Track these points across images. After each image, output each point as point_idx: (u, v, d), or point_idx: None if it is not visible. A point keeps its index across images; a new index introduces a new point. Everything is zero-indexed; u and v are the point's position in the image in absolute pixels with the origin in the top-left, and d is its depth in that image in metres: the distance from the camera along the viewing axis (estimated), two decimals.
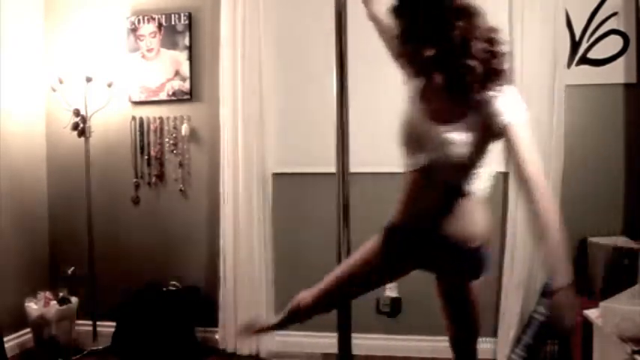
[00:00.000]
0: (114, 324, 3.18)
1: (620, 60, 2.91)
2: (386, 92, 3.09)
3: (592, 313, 2.27)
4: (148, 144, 3.36)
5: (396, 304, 3.13)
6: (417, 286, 3.12)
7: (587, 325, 2.37)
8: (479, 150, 1.55)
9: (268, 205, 3.16)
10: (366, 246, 1.76)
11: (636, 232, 2.80)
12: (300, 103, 3.18)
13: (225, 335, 3.18)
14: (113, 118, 3.36)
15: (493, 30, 1.51)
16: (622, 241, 2.71)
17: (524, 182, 1.47)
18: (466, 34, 1.45)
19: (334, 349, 1.97)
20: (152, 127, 3.36)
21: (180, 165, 3.33)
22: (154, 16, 3.30)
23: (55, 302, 3.08)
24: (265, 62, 3.13)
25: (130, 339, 3.08)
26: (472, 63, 1.45)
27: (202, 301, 3.25)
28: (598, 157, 2.96)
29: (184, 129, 3.29)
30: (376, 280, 1.87)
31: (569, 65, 2.94)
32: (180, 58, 3.29)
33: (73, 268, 3.43)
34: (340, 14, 1.87)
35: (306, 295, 1.78)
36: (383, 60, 3.09)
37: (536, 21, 2.87)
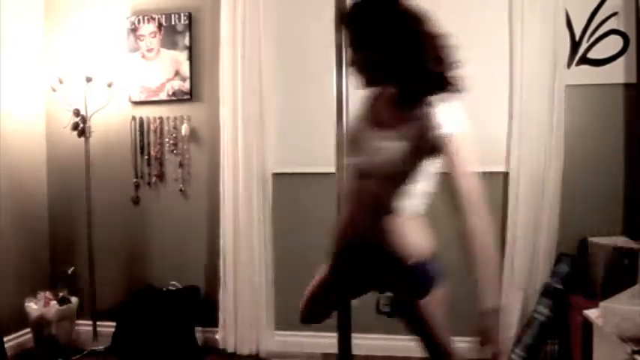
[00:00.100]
0: (114, 324, 3.18)
1: (620, 60, 2.91)
2: None
3: (592, 313, 2.27)
4: (148, 144, 3.36)
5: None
6: None
7: (587, 325, 2.37)
8: (413, 162, 1.51)
9: (268, 205, 3.16)
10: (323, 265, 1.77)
11: (636, 232, 2.80)
12: (300, 103, 3.18)
13: (225, 335, 3.18)
14: (113, 118, 3.36)
15: (443, 37, 1.50)
16: (622, 241, 2.70)
17: (457, 199, 1.43)
18: (416, 42, 1.44)
19: (334, 349, 1.96)
20: (152, 127, 3.36)
21: (180, 165, 3.33)
22: (154, 16, 3.30)
23: (55, 302, 3.08)
24: (265, 62, 3.13)
25: (130, 339, 3.08)
26: (421, 72, 1.44)
27: (202, 301, 3.25)
28: (598, 157, 2.96)
29: (184, 129, 3.29)
30: (337, 299, 1.83)
31: (569, 65, 2.94)
32: (180, 58, 3.29)
33: (73, 268, 3.43)
34: (340, 14, 1.86)
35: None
36: None
37: (536, 21, 2.88)
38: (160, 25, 3.30)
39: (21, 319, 3.11)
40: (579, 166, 2.94)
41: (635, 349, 1.91)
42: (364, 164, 1.56)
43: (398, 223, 1.54)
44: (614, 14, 2.90)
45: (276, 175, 3.18)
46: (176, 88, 3.30)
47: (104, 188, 3.38)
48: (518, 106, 2.92)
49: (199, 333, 3.23)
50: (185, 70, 3.28)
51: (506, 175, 2.99)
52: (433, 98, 1.45)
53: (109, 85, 3.25)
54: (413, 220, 1.57)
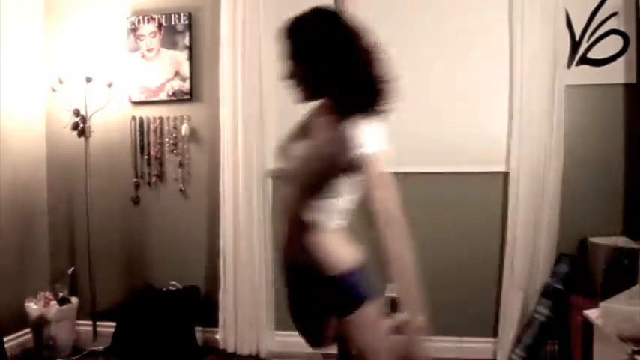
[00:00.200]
0: (114, 324, 3.18)
1: (620, 60, 2.91)
2: None
3: (592, 313, 2.27)
4: (148, 144, 3.36)
5: (396, 304, 3.13)
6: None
7: (587, 325, 2.37)
8: (326, 175, 1.48)
9: (268, 205, 3.16)
10: None
11: (636, 232, 2.80)
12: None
13: (225, 335, 3.18)
14: (113, 118, 3.36)
15: (377, 49, 1.50)
16: (622, 241, 2.70)
17: (374, 218, 1.41)
18: (352, 57, 1.45)
19: (334, 349, 1.96)
20: (152, 127, 3.36)
21: (180, 165, 3.33)
22: (154, 16, 3.30)
23: (55, 302, 3.08)
24: (265, 62, 3.13)
25: (130, 339, 3.08)
26: (354, 86, 1.45)
27: (202, 301, 3.25)
28: (598, 157, 2.96)
29: (184, 129, 3.29)
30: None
31: (569, 65, 2.94)
32: (180, 58, 3.29)
33: (73, 268, 3.43)
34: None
35: None
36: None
37: (536, 21, 2.88)
38: (160, 25, 3.30)
39: (21, 319, 3.11)
40: (579, 166, 2.94)
41: (635, 349, 1.91)
42: (284, 174, 1.58)
43: (316, 236, 1.50)
44: (614, 14, 2.90)
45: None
46: (176, 88, 3.30)
47: (104, 188, 3.38)
48: (518, 106, 2.93)
49: (199, 333, 3.23)
50: (185, 70, 3.28)
51: (506, 175, 2.99)
52: (360, 114, 1.44)
53: (109, 85, 3.25)
54: (334, 234, 1.52)
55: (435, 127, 3.07)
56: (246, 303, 3.14)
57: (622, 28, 2.90)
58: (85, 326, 3.34)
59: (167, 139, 3.34)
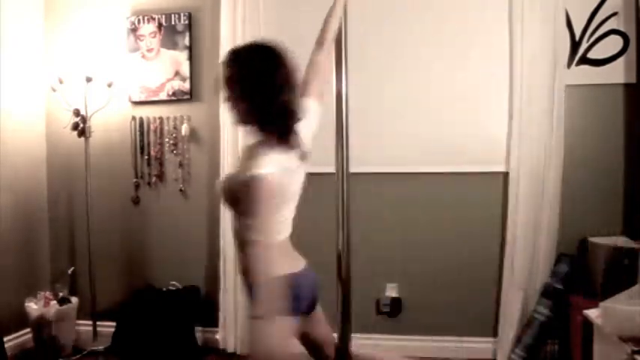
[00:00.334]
0: (114, 324, 3.18)
1: (620, 60, 2.90)
2: (386, 92, 3.10)
3: (592, 313, 2.27)
4: (148, 144, 3.36)
5: (396, 304, 3.13)
6: (417, 286, 3.14)
7: (587, 325, 2.37)
8: (245, 199, 1.53)
9: None
10: None
11: (636, 232, 2.80)
12: None
13: (225, 335, 3.18)
14: (113, 118, 3.36)
15: (295, 74, 1.64)
16: (622, 241, 2.70)
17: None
18: (269, 93, 1.57)
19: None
20: (152, 127, 3.36)
21: (180, 165, 3.33)
22: (154, 16, 3.30)
23: (55, 302, 3.08)
24: None
25: (130, 339, 3.08)
26: (269, 118, 1.58)
27: (202, 301, 3.25)
28: (598, 157, 2.96)
29: (184, 129, 3.29)
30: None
31: (569, 65, 2.94)
32: (180, 58, 3.29)
33: (73, 268, 3.43)
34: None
35: None
36: (382, 60, 3.11)
37: (536, 21, 2.87)
38: (160, 25, 3.30)
39: (21, 319, 3.11)
40: (579, 166, 2.94)
41: (635, 349, 1.91)
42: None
43: (251, 251, 1.54)
44: (614, 14, 2.90)
45: None
46: (176, 88, 3.30)
47: (104, 188, 3.38)
48: (518, 106, 2.92)
49: (199, 333, 3.23)
50: (185, 70, 3.28)
51: (506, 175, 2.99)
52: (273, 142, 1.60)
53: (109, 85, 3.25)
54: (269, 248, 1.55)
55: (435, 127, 3.07)
56: (246, 303, 3.14)
57: (622, 28, 2.90)
58: (85, 326, 3.34)
59: (167, 139, 3.34)
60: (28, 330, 3.16)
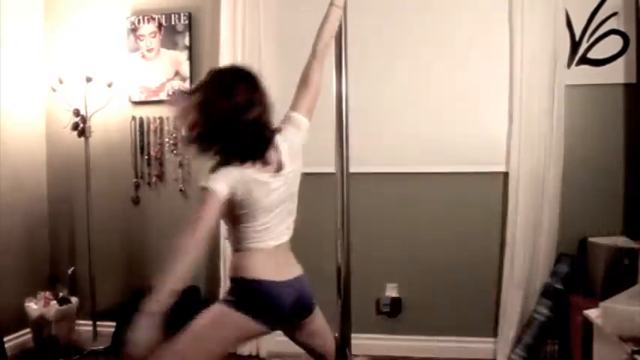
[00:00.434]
0: (114, 324, 3.18)
1: (620, 60, 2.90)
2: (386, 92, 3.10)
3: (592, 313, 2.27)
4: (148, 144, 3.36)
5: (396, 304, 3.13)
6: (417, 286, 3.14)
7: (587, 325, 2.38)
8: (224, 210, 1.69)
9: None
10: None
11: (636, 232, 2.80)
12: None
13: None
14: (113, 118, 3.36)
15: (266, 97, 1.70)
16: (622, 241, 2.70)
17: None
18: (242, 113, 1.64)
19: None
20: (152, 127, 3.36)
21: (180, 165, 3.33)
22: (154, 16, 3.30)
23: (55, 302, 3.08)
24: (265, 62, 3.13)
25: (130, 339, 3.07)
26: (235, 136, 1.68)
27: (202, 301, 3.25)
28: (598, 157, 2.96)
29: (184, 129, 3.28)
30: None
31: (569, 65, 2.94)
32: (180, 58, 3.29)
33: (73, 268, 3.43)
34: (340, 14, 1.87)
35: None
36: (382, 60, 3.11)
37: (536, 21, 2.88)
38: (160, 25, 3.30)
39: (21, 319, 3.11)
40: (579, 166, 2.94)
41: (635, 349, 1.91)
42: None
43: (233, 255, 1.78)
44: (614, 14, 2.90)
45: None
46: (176, 88, 3.29)
47: (104, 188, 3.38)
48: (518, 106, 2.92)
49: None
50: (185, 70, 3.28)
51: (506, 175, 2.99)
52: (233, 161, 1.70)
53: (109, 85, 3.25)
54: (247, 254, 1.74)
55: (435, 127, 3.07)
56: None
57: (622, 28, 2.90)
58: (85, 326, 3.34)
59: (167, 139, 3.34)
60: (28, 330, 3.16)
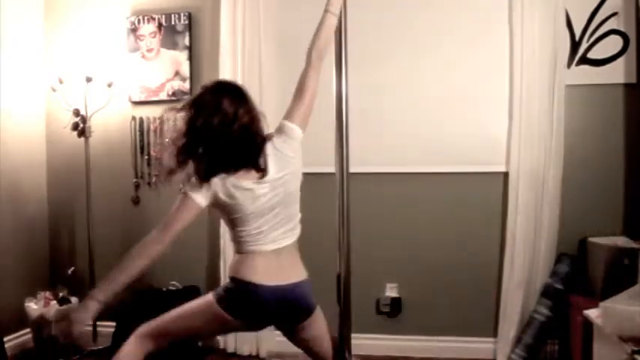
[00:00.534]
0: (114, 324, 3.18)
1: (620, 60, 2.90)
2: (386, 92, 3.10)
3: (592, 313, 2.27)
4: (148, 144, 3.36)
5: (395, 304, 3.13)
6: (417, 286, 3.14)
7: (587, 325, 2.38)
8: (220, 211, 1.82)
9: None
10: None
11: (636, 232, 2.80)
12: None
13: (226, 335, 3.18)
14: (113, 118, 3.36)
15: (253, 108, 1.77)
16: (622, 241, 2.71)
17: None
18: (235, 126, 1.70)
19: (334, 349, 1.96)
20: (152, 127, 3.36)
21: None
22: (154, 16, 3.30)
23: (55, 302, 3.08)
24: (265, 62, 3.13)
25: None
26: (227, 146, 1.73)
27: None
28: (598, 157, 2.96)
29: None
30: None
31: (569, 65, 2.94)
32: (180, 58, 3.29)
33: (73, 268, 3.43)
34: (340, 14, 1.87)
35: None
36: (382, 59, 3.11)
37: (536, 21, 2.88)
38: (160, 25, 3.30)
39: (21, 319, 3.11)
40: (579, 166, 2.94)
41: (635, 349, 1.91)
42: None
43: (234, 256, 1.86)
44: (614, 14, 2.90)
45: None
46: (176, 88, 3.30)
47: (104, 188, 3.38)
48: (518, 106, 2.92)
49: None
50: (185, 70, 3.28)
51: (506, 175, 2.99)
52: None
53: (109, 85, 3.25)
54: (244, 256, 1.80)
55: (435, 127, 3.07)
56: None
57: (622, 28, 2.90)
58: (85, 326, 3.33)
59: (167, 139, 3.34)
60: (28, 330, 3.16)
